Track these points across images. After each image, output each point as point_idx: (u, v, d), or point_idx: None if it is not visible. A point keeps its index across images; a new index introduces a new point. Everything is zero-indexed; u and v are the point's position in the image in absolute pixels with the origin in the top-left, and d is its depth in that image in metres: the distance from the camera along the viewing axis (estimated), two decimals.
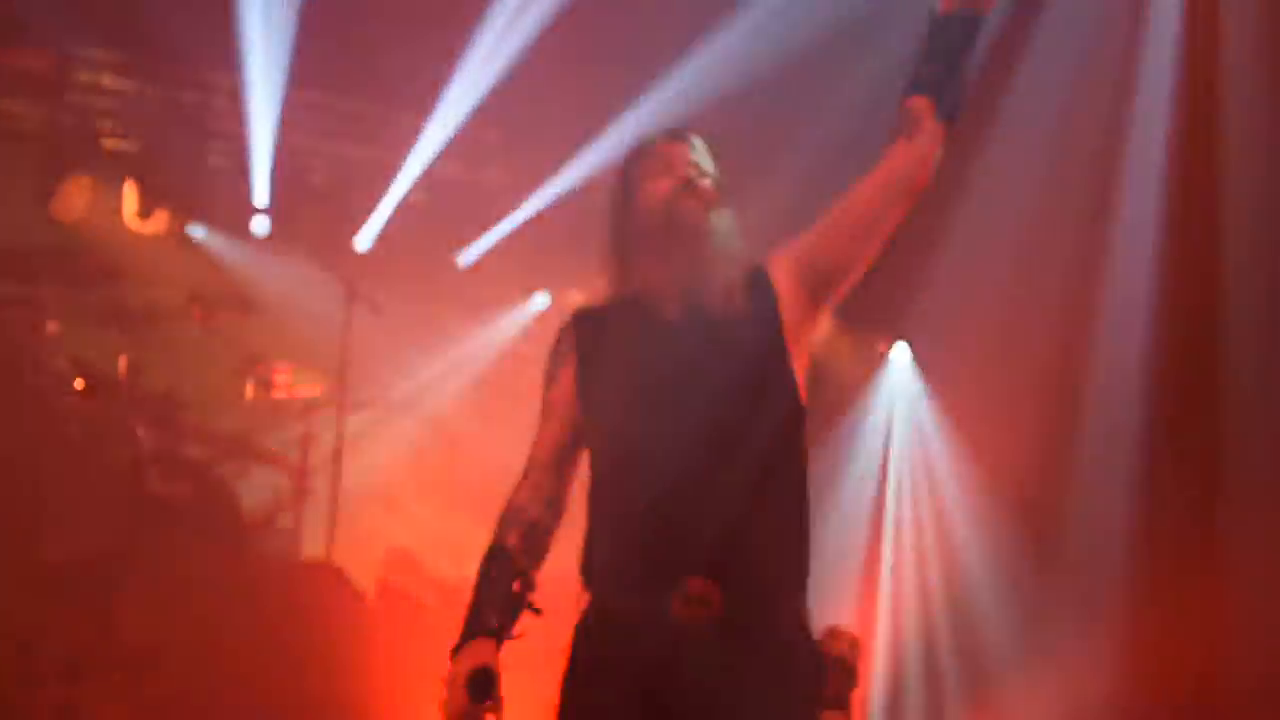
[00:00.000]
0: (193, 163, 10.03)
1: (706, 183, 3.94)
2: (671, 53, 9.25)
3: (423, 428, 10.36)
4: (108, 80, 9.88)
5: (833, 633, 3.97)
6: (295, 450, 9.15)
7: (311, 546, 8.89)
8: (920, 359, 10.61)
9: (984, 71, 8.62)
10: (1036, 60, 9.30)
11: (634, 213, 4.00)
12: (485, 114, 9.69)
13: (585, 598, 3.95)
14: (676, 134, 4.13)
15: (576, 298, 9.81)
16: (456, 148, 9.87)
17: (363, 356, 9.07)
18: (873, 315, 10.35)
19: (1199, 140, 8.66)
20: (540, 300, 10.47)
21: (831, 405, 10.48)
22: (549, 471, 4.08)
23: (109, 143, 9.89)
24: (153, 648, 7.28)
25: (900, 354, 10.67)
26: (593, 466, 4.05)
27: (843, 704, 4.07)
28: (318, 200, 10.18)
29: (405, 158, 9.82)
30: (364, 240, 10.09)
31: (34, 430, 8.00)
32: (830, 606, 9.64)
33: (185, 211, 9.92)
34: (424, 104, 9.64)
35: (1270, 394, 8.73)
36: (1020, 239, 9.15)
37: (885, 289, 9.86)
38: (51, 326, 8.44)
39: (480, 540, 4.05)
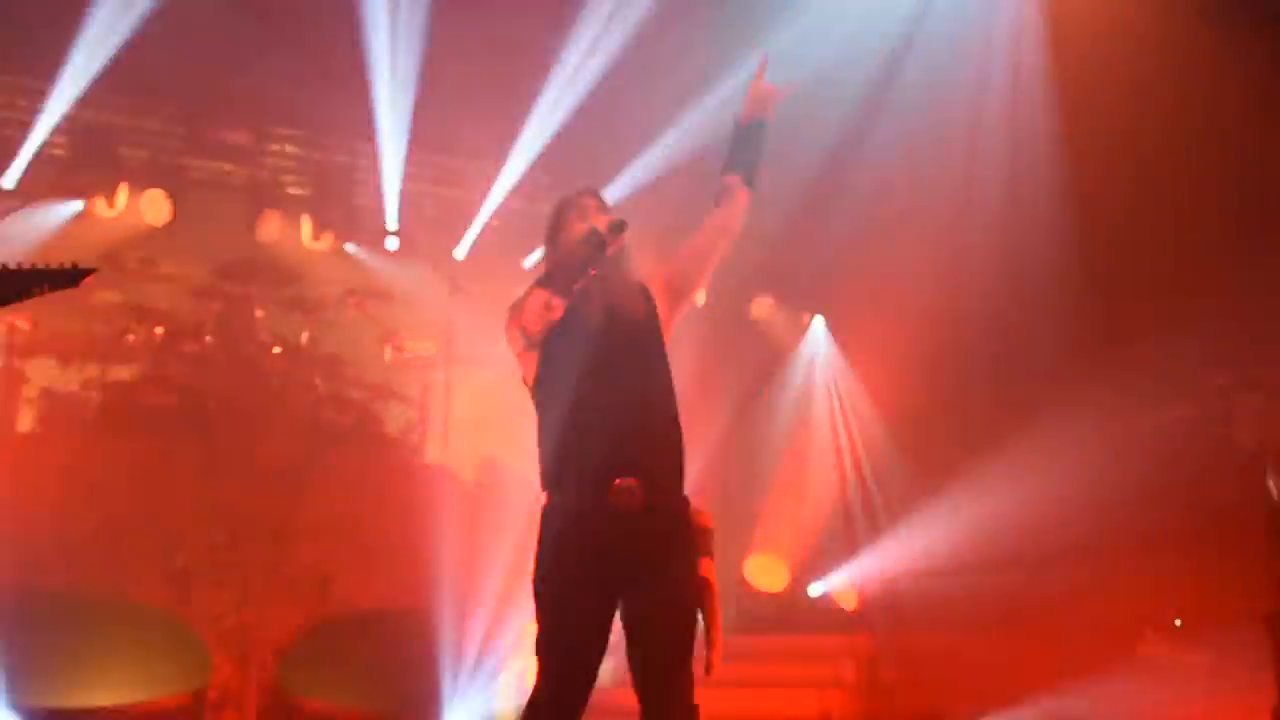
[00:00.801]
0: (347, 202, 10.18)
1: (610, 221, 3.96)
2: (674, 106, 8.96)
3: (499, 375, 10.39)
4: (289, 148, 10.08)
5: (697, 508, 4.17)
6: (418, 392, 9.39)
7: (431, 455, 9.06)
8: (831, 325, 10.66)
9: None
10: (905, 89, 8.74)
11: (563, 237, 4.08)
12: (539, 163, 9.63)
13: (544, 498, 4.01)
14: (588, 190, 4.23)
15: None
16: (520, 188, 9.89)
17: (461, 329, 9.23)
18: (798, 297, 10.70)
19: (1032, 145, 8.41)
20: None
21: (771, 360, 10.62)
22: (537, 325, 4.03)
23: (291, 190, 10.10)
24: (327, 522, 7.52)
25: (818, 323, 10.73)
26: (544, 411, 4.10)
27: (709, 552, 4.31)
28: (429, 225, 10.31)
29: (485, 196, 9.92)
30: (460, 251, 10.20)
31: (249, 381, 8.22)
32: (777, 486, 10.11)
33: (342, 235, 10.15)
34: (498, 158, 9.64)
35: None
36: (901, 238, 9.07)
37: (806, 278, 10.39)
38: (258, 312, 8.73)
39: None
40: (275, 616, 7.25)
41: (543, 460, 4.10)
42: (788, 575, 9.97)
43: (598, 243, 3.97)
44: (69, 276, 3.32)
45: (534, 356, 4.12)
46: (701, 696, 7.72)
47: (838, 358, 10.57)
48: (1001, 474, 8.36)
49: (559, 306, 3.96)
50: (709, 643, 4.38)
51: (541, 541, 4.01)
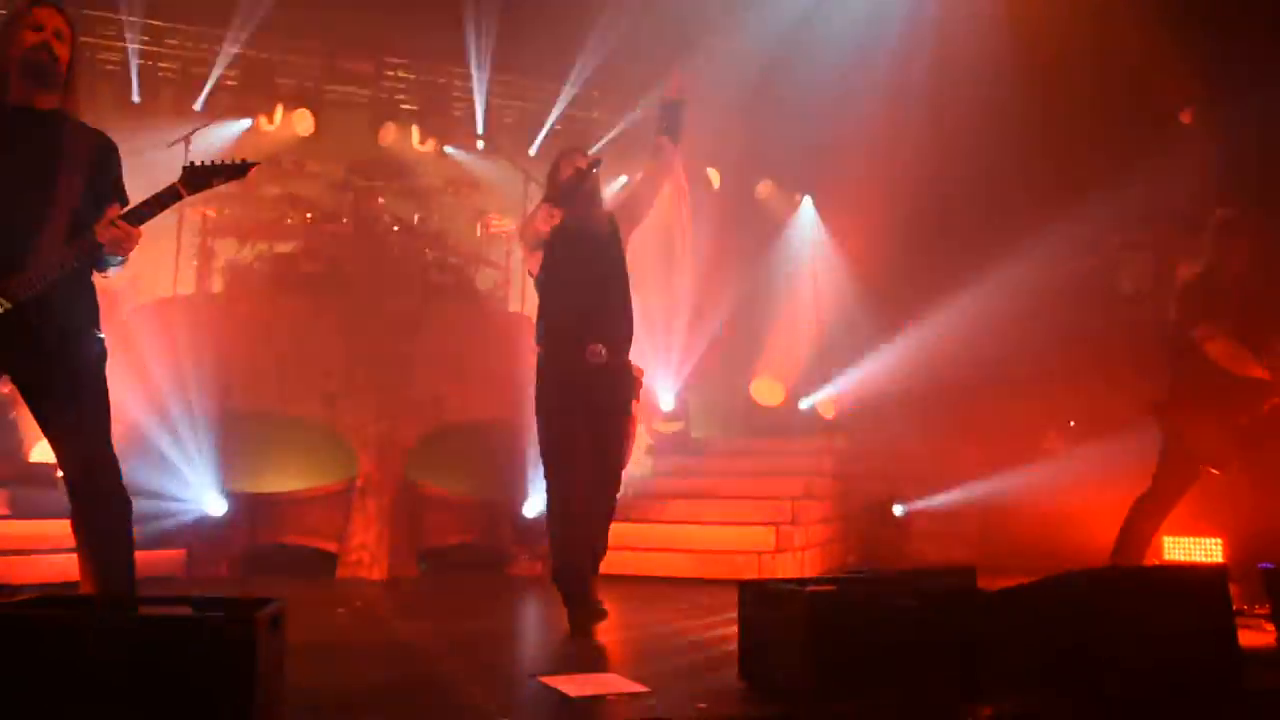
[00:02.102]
0: (446, 113, 10.11)
1: (593, 172, 4.49)
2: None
3: None
4: (401, 74, 10.02)
5: (633, 366, 4.67)
6: (503, 258, 9.30)
7: (513, 306, 9.02)
8: (819, 205, 10.50)
9: None
10: None
11: (561, 180, 4.55)
12: (591, 81, 9.67)
13: (538, 350, 4.55)
14: (576, 148, 4.79)
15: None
16: (577, 101, 9.88)
17: (533, 210, 9.27)
18: (791, 179, 10.56)
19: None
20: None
21: (771, 230, 10.49)
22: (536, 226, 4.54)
23: (404, 106, 10.04)
24: (438, 355, 7.52)
25: (807, 202, 10.58)
26: (542, 294, 4.62)
27: (636, 396, 4.83)
28: (509, 131, 10.21)
29: (551, 107, 9.90)
30: (532, 150, 10.12)
31: (376, 251, 8.09)
32: (776, 326, 10.15)
33: (443, 139, 10.10)
34: (560, 78, 9.62)
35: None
36: (873, 135, 8.66)
37: (799, 167, 10.30)
38: (381, 200, 8.61)
39: None
40: (403, 425, 7.30)
41: (539, 328, 4.58)
42: (784, 393, 9.98)
43: (581, 176, 4.46)
44: (240, 169, 3.39)
45: (537, 256, 4.61)
46: (720, 483, 8.02)
47: (821, 229, 10.42)
48: (946, 312, 8.27)
49: (558, 214, 4.45)
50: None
51: (539, 383, 4.52)
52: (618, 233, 4.66)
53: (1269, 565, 3.71)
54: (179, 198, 3.31)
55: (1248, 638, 3.47)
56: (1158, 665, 2.96)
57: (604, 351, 4.48)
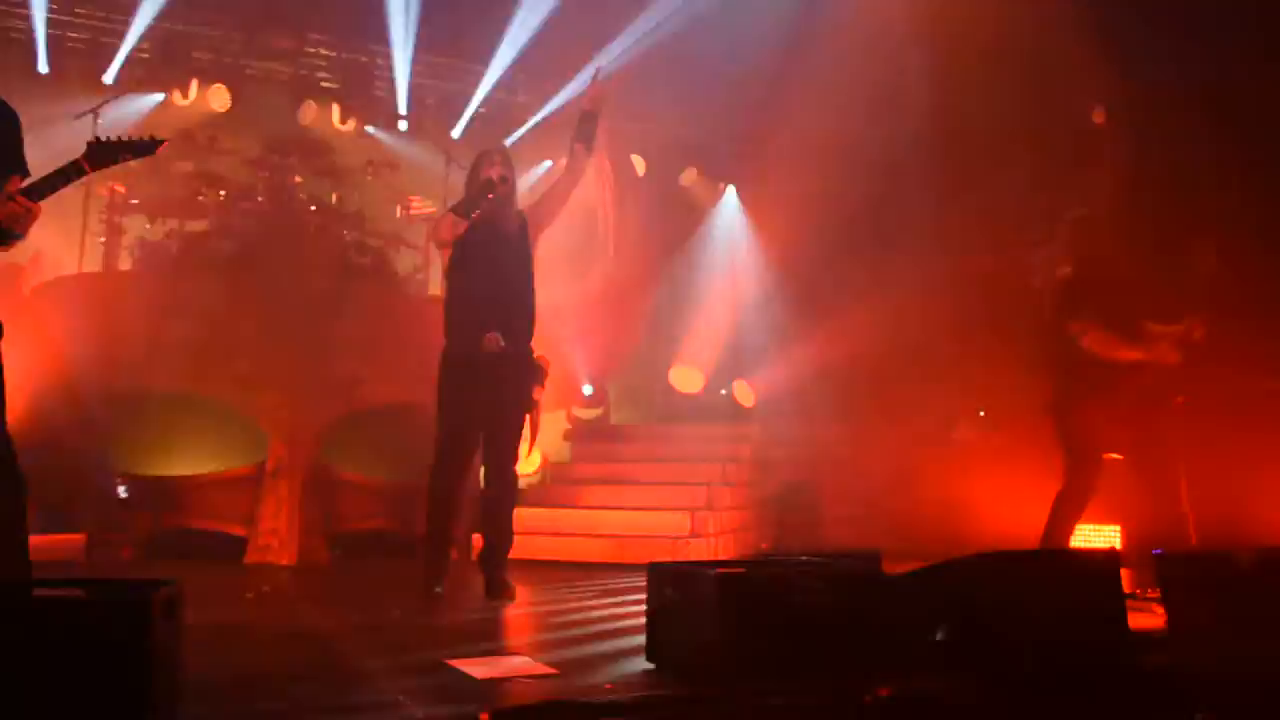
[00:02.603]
0: (368, 92, 9.95)
1: (508, 172, 4.85)
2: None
3: None
4: (322, 51, 9.81)
5: (539, 354, 5.07)
6: (422, 241, 9.19)
7: (434, 289, 8.69)
8: (741, 193, 10.58)
9: None
10: None
11: (474, 181, 4.85)
12: (517, 63, 9.49)
13: (445, 341, 4.89)
14: (498, 148, 5.16)
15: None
16: (502, 83, 9.74)
17: (456, 193, 8.61)
18: (716, 169, 10.59)
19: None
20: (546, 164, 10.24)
21: (693, 221, 10.56)
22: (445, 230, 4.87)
23: (324, 84, 9.85)
24: (355, 338, 7.37)
25: (731, 191, 10.65)
26: (450, 286, 4.92)
27: (541, 383, 5.13)
28: (431, 112, 10.07)
29: (475, 89, 9.75)
30: (456, 132, 9.98)
31: (293, 231, 8.07)
32: (696, 314, 10.14)
33: (364, 118, 9.95)
34: (485, 59, 9.50)
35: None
36: (797, 125, 8.74)
37: (724, 156, 10.34)
38: (298, 178, 8.57)
39: None
40: (316, 409, 7.23)
41: (446, 319, 4.87)
42: (703, 380, 10.04)
43: (489, 186, 4.75)
44: (147, 146, 3.35)
45: (447, 252, 4.88)
46: (638, 469, 8.04)
47: (743, 217, 10.48)
48: (864, 300, 8.35)
49: (461, 225, 4.75)
50: (529, 437, 5.73)
51: (441, 369, 4.83)
52: (526, 231, 4.93)
53: (1161, 551, 3.83)
54: (83, 173, 3.25)
55: (1139, 620, 3.58)
56: (1052, 645, 3.04)
57: (502, 340, 4.73)
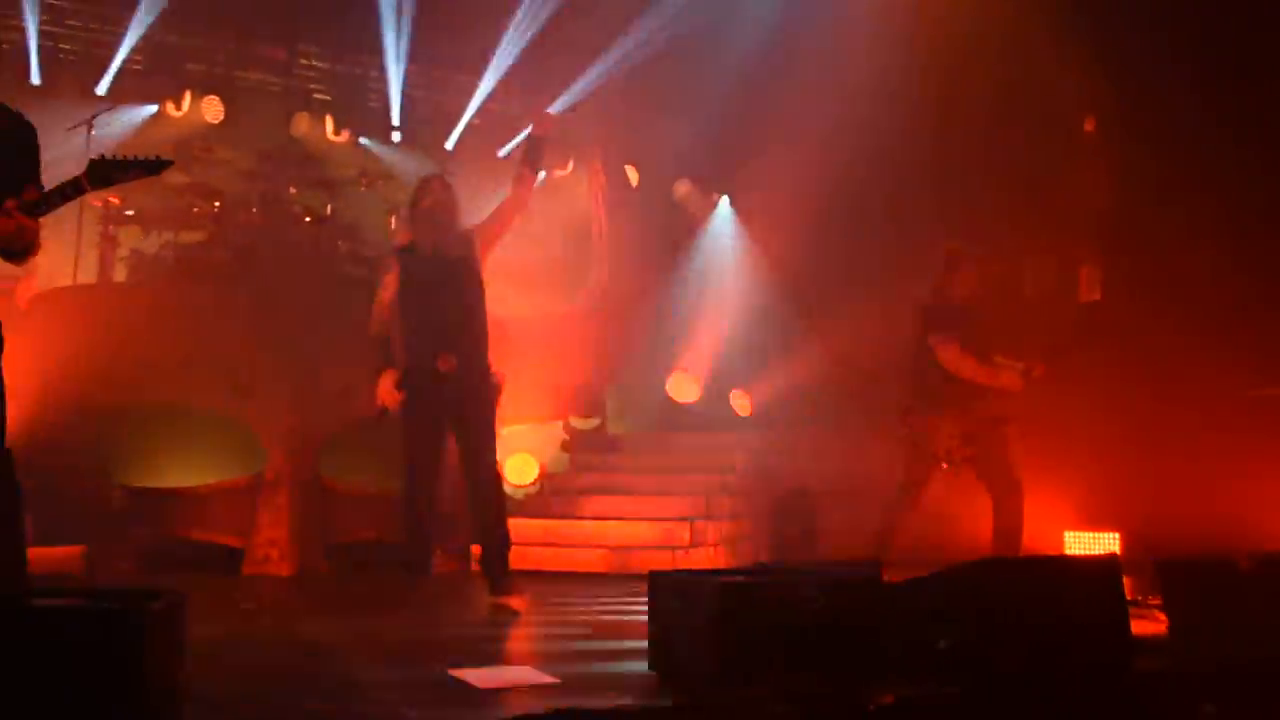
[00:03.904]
0: (361, 104, 10.01)
1: (447, 197, 5.01)
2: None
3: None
4: (316, 63, 9.90)
5: (495, 370, 5.12)
6: None
7: None
8: (735, 204, 10.55)
9: None
10: None
11: (416, 209, 5.03)
12: (510, 75, 9.52)
13: (401, 364, 4.96)
14: (436, 176, 5.38)
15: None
16: (495, 94, 9.75)
17: None
18: (709, 180, 10.55)
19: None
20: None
21: (687, 232, 10.54)
22: (386, 310, 5.06)
23: (317, 95, 9.91)
24: (351, 348, 6.59)
25: (724, 202, 10.63)
26: (401, 308, 5.01)
27: (495, 400, 5.17)
28: (425, 123, 10.11)
29: (468, 100, 9.78)
30: (449, 143, 10.00)
31: (287, 242, 8.17)
32: (692, 323, 10.02)
33: (357, 130, 9.97)
34: (478, 71, 9.52)
35: None
36: (789, 134, 8.64)
37: (717, 167, 10.33)
38: (292, 189, 8.64)
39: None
40: (314, 419, 7.24)
41: (398, 342, 4.99)
42: (699, 390, 10.01)
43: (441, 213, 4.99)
44: (152, 165, 3.28)
45: (394, 276, 5.02)
46: (636, 479, 8.01)
47: (737, 227, 10.47)
48: (860, 309, 8.26)
49: (390, 287, 5.04)
50: None
51: (404, 391, 4.93)
52: (473, 250, 5.06)
53: (1158, 559, 3.84)
54: (82, 192, 3.21)
55: (1141, 627, 3.58)
56: (1053, 652, 3.03)
57: (454, 361, 4.88)
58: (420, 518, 5.10)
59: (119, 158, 3.24)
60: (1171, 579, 3.65)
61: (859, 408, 8.44)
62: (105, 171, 3.21)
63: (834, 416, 8.53)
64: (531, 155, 5.27)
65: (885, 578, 3.26)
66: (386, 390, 4.94)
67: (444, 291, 5.00)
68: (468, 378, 4.99)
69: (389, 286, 5.09)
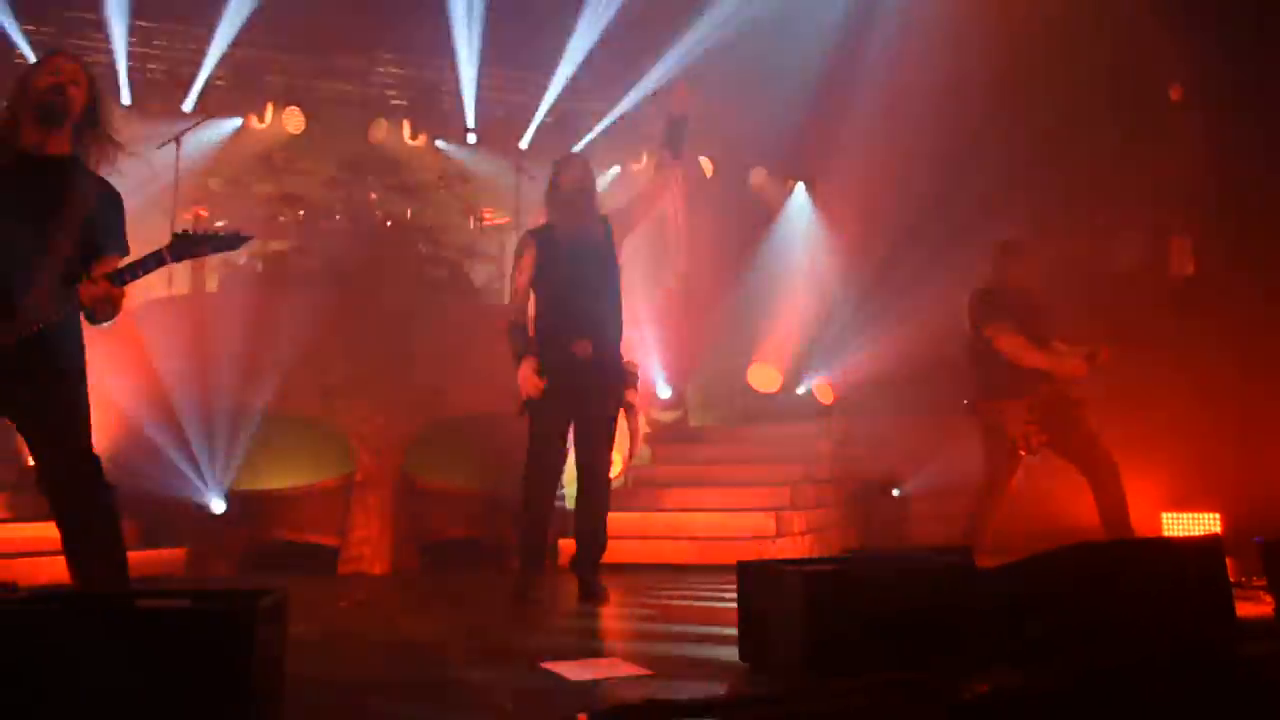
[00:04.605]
0: (437, 108, 10.06)
1: (587, 177, 4.88)
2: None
3: None
4: (391, 69, 10.01)
5: (628, 359, 4.99)
6: (496, 251, 9.37)
7: (507, 298, 9.09)
8: (811, 191, 10.45)
9: None
10: None
11: (556, 189, 4.87)
12: (581, 73, 9.55)
13: (536, 342, 4.86)
14: (576, 154, 5.27)
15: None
16: (567, 92, 9.78)
17: (525, 202, 8.99)
18: (785, 167, 10.48)
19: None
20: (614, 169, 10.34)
21: (764, 220, 10.45)
22: (523, 296, 4.92)
23: (394, 101, 10.04)
24: (435, 348, 7.53)
25: (799, 189, 10.53)
26: (537, 294, 4.90)
27: (634, 385, 5.06)
28: (499, 123, 10.12)
29: (541, 99, 9.83)
30: (524, 142, 10.03)
31: (370, 247, 8.23)
32: (772, 312, 10.06)
33: (434, 133, 10.05)
34: (550, 69, 9.57)
35: None
36: (865, 118, 8.68)
37: (792, 154, 10.26)
38: (372, 195, 8.76)
39: None
40: (401, 420, 7.32)
41: (536, 322, 4.90)
42: (781, 378, 9.97)
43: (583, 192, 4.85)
44: (231, 241, 3.39)
45: (530, 260, 4.88)
46: (719, 470, 7.98)
47: (814, 214, 10.36)
48: (941, 290, 7.86)
49: (527, 267, 4.89)
50: (630, 441, 5.49)
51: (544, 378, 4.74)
52: (611, 237, 4.90)
53: (1262, 539, 3.72)
54: (163, 263, 3.32)
55: (1245, 609, 3.50)
56: (1155, 637, 2.97)
57: (590, 348, 4.75)
58: (545, 515, 4.95)
59: (199, 233, 3.37)
60: (1277, 559, 3.53)
61: (944, 393, 8.31)
62: (186, 246, 3.34)
63: (919, 403, 8.39)
64: (672, 138, 5.00)
65: (977, 564, 3.21)
66: (529, 377, 4.75)
67: (584, 276, 4.84)
68: (602, 368, 4.86)
69: (525, 270, 4.92)
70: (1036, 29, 7.69)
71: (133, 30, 8.95)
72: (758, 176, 10.63)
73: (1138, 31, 7.37)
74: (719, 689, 2.87)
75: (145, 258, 3.30)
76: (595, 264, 4.87)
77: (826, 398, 9.63)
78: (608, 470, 5.02)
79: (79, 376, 3.36)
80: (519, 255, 4.99)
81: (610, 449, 4.98)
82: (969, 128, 8.26)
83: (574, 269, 4.82)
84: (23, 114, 3.35)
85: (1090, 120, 8.00)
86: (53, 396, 3.29)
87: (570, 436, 4.99)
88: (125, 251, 3.40)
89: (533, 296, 4.96)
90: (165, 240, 3.34)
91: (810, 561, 3.43)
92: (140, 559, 3.39)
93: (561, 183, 4.88)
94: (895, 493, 8.51)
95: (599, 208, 4.99)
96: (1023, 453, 5.39)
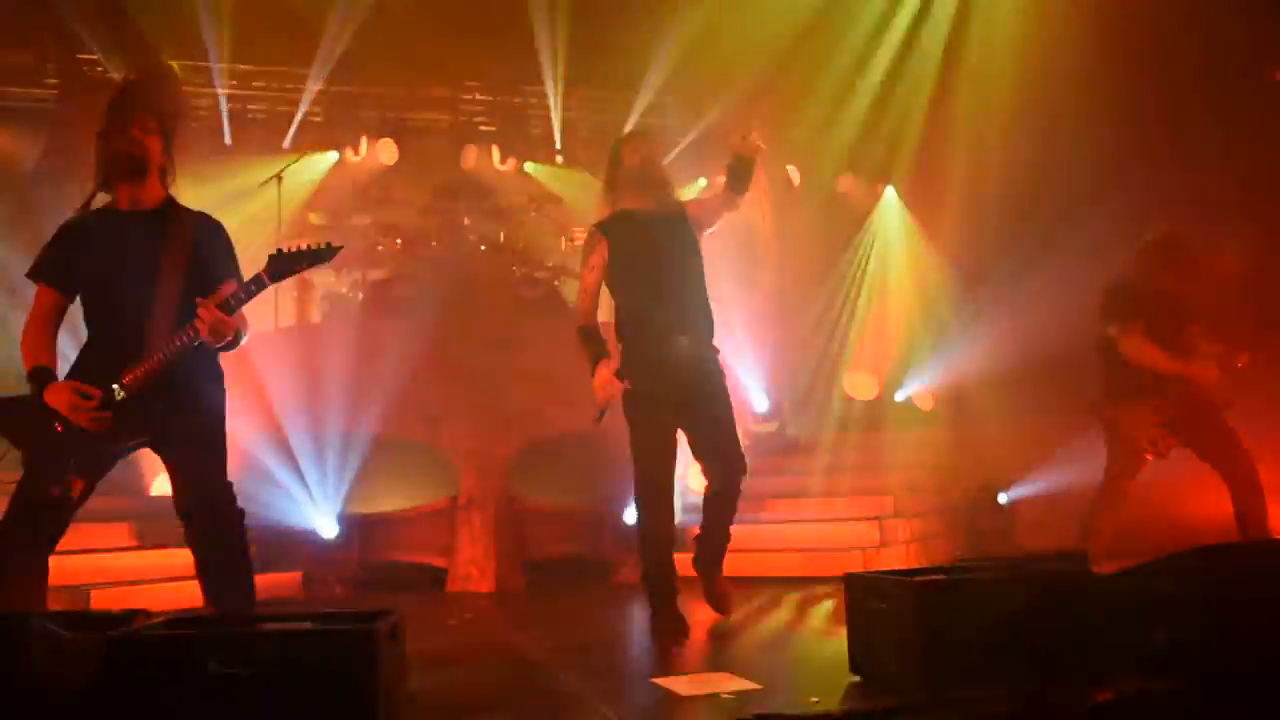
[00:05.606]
0: (524, 133, 10.20)
1: (654, 152, 4.54)
2: None
3: None
4: (479, 96, 10.15)
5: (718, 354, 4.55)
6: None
7: (602, 316, 9.09)
8: (901, 194, 10.32)
9: None
10: None
11: (621, 169, 4.45)
12: (664, 87, 9.52)
13: (620, 345, 4.46)
14: (636, 132, 4.88)
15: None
16: (650, 110, 9.72)
17: None
18: (873, 171, 10.32)
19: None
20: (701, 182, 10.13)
21: (854, 226, 10.30)
22: (591, 297, 4.54)
23: (483, 128, 10.16)
24: (532, 369, 7.44)
25: (890, 192, 10.40)
26: (618, 290, 4.51)
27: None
28: (586, 143, 10.20)
29: (626, 118, 9.73)
30: None
31: (466, 271, 8.28)
32: (867, 318, 9.89)
33: (523, 157, 10.17)
34: (633, 88, 9.58)
35: None
36: (952, 119, 8.73)
37: (881, 158, 10.16)
38: (466, 220, 8.79)
39: None
40: (501, 440, 7.37)
41: (618, 323, 4.52)
42: (878, 386, 9.84)
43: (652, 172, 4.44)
44: (323, 254, 3.53)
45: (600, 256, 4.47)
46: (819, 480, 7.74)
47: (906, 217, 10.24)
48: (1040, 290, 7.99)
49: (597, 258, 4.46)
50: None
51: (624, 395, 4.38)
52: (692, 230, 4.51)
53: None
54: (264, 286, 3.48)
55: None
56: None
57: (686, 343, 4.34)
58: (668, 542, 4.42)
59: (293, 250, 3.51)
60: None
61: (1050, 397, 8.13)
62: (283, 265, 3.49)
63: (1026, 405, 8.22)
64: (738, 177, 4.44)
65: (1093, 570, 3.14)
66: (605, 382, 4.30)
67: (668, 257, 4.38)
68: (702, 361, 4.42)
69: (595, 268, 4.47)
70: (1133, 12, 7.50)
71: (233, 73, 9.30)
72: (845, 182, 10.52)
73: (1228, 13, 7.11)
74: (831, 703, 2.85)
75: (246, 283, 3.49)
76: (680, 244, 4.43)
77: (926, 404, 9.46)
78: (741, 469, 4.56)
79: (219, 411, 3.58)
80: (586, 253, 4.54)
81: (738, 440, 4.55)
82: (1066, 118, 8.10)
83: (658, 250, 4.36)
84: (106, 174, 3.55)
85: (1195, 104, 7.80)
86: (196, 429, 3.50)
87: (688, 444, 4.55)
88: (236, 276, 3.59)
89: (612, 294, 4.59)
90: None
91: (918, 571, 3.38)
92: (260, 582, 3.50)
93: (625, 160, 4.44)
94: (1002, 499, 8.30)
95: (673, 183, 4.63)
96: (1149, 457, 5.20)
